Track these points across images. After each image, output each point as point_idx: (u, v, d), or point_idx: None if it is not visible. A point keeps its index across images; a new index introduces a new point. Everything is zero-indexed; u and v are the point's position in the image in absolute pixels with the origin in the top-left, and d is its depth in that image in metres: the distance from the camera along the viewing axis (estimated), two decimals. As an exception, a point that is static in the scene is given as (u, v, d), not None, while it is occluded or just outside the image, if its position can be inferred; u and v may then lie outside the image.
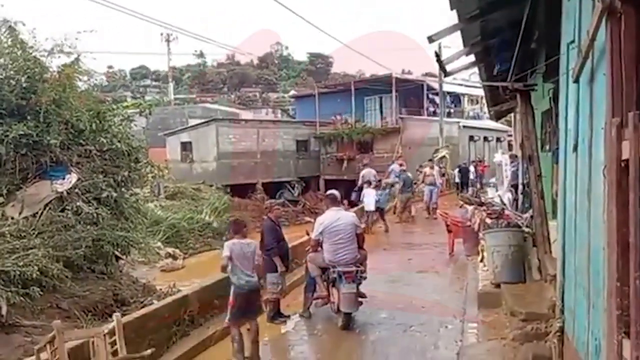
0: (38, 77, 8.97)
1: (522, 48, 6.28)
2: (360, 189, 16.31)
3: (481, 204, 9.37)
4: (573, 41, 3.58)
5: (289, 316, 7.31)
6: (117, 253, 9.76)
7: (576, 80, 3.36)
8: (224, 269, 5.73)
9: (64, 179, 9.04)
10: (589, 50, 2.99)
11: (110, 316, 5.66)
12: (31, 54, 9.08)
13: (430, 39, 6.45)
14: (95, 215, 8.94)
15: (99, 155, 9.58)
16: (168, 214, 18.08)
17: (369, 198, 14.53)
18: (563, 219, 3.92)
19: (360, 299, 6.78)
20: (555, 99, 6.19)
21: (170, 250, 15.56)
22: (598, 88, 2.96)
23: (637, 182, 2.28)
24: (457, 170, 23.01)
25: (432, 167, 17.75)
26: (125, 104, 12.64)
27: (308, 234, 7.83)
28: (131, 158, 10.19)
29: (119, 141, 9.83)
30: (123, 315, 5.52)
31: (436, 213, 15.63)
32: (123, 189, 10.04)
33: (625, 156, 2.39)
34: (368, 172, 16.92)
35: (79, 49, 9.78)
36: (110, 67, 64.72)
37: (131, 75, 74.64)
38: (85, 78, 10.57)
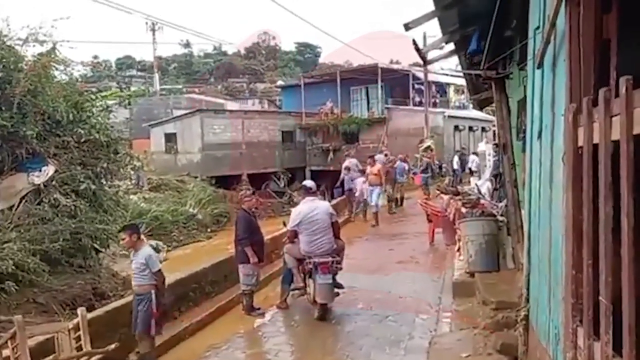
0: (13, 66, 8.80)
1: (498, 36, 6.22)
2: (342, 184, 16.11)
3: (457, 194, 9.36)
4: (538, 27, 3.53)
5: (260, 309, 7.20)
6: (96, 246, 9.65)
7: (540, 66, 3.31)
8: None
9: (40, 170, 8.91)
10: (550, 35, 2.95)
11: (90, 310, 5.58)
12: (5, 42, 8.90)
13: (407, 27, 6.37)
14: (73, 207, 8.83)
15: (76, 147, 9.44)
16: (151, 206, 17.93)
17: (360, 186, 14.45)
18: (529, 207, 3.90)
19: (337, 290, 6.76)
20: (529, 87, 6.15)
21: (153, 242, 15.39)
22: (559, 74, 2.92)
23: (590, 169, 2.25)
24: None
25: (372, 165, 14.45)
26: (104, 93, 12.42)
27: (285, 225, 7.76)
28: (110, 149, 10.06)
29: (97, 132, 9.68)
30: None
31: (377, 218, 13.74)
32: (102, 181, 9.93)
33: (580, 143, 2.36)
34: (350, 162, 16.84)
35: (57, 38, 9.63)
36: (95, 57, 63.47)
37: (116, 66, 73.43)
38: (62, 67, 10.42)
